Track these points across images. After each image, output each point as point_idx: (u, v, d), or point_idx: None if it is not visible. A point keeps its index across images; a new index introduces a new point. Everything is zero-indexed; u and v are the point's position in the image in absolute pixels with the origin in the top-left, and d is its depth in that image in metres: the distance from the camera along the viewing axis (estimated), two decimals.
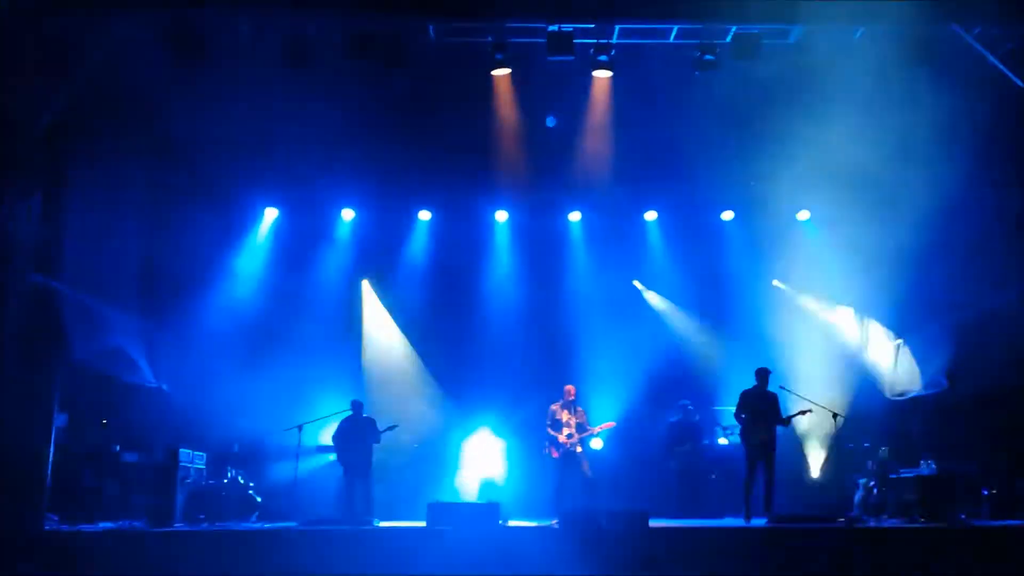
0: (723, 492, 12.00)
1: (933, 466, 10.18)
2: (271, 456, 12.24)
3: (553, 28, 9.83)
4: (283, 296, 13.40)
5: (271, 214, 13.88)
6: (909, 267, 11.76)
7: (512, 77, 10.77)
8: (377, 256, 14.08)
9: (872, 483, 10.89)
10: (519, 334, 13.96)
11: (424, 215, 14.21)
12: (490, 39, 10.14)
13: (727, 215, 14.17)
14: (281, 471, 11.82)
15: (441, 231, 14.21)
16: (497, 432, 13.28)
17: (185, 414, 11.38)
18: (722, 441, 12.91)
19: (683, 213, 14.09)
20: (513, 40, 10.19)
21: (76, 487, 9.64)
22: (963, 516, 8.98)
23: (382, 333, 14.13)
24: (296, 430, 11.08)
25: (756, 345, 12.39)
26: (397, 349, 14.05)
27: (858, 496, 11.12)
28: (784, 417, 10.24)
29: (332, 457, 11.71)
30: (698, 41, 10.12)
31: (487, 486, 12.12)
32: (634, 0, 9.66)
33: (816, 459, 12.68)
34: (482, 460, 12.81)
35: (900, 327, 12.06)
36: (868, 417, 11.93)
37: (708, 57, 10.09)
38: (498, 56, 10.16)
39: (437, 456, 12.94)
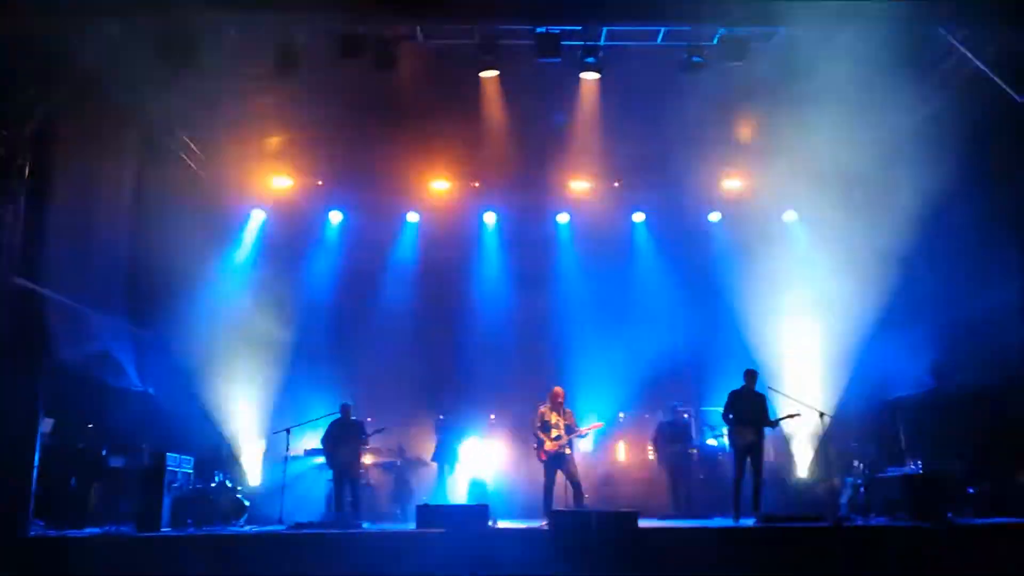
0: (712, 492, 12.05)
1: (919, 465, 10.23)
2: (259, 459, 12.19)
3: (541, 30, 9.84)
4: (270, 298, 13.35)
5: (258, 216, 13.84)
6: (896, 266, 11.85)
7: (500, 79, 10.76)
8: (365, 258, 14.05)
9: (859, 482, 10.95)
10: (508, 335, 13.99)
11: (412, 217, 14.21)
12: (478, 41, 10.13)
13: (714, 216, 14.24)
14: (269, 474, 11.77)
15: (429, 233, 14.21)
16: (486, 434, 13.29)
17: (172, 418, 11.30)
18: (711, 442, 12.96)
19: (670, 214, 14.16)
20: (501, 42, 10.19)
21: (62, 492, 9.53)
22: (949, 515, 9.02)
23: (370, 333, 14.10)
24: (284, 433, 11.06)
25: (744, 346, 12.45)
26: (386, 350, 14.00)
27: (845, 496, 11.17)
28: (772, 419, 10.29)
29: (321, 460, 11.68)
30: (685, 43, 10.15)
31: (476, 488, 12.10)
32: (621, 2, 9.67)
33: (803, 459, 12.73)
34: (471, 462, 12.81)
35: (887, 326, 12.12)
36: (855, 417, 11.98)
37: (696, 59, 10.13)
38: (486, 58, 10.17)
39: (425, 458, 12.90)
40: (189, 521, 9.74)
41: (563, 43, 9.96)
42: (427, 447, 12.79)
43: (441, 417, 12.79)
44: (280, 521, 10.32)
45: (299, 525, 9.46)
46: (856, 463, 11.27)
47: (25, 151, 9.02)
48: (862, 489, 10.80)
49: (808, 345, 12.89)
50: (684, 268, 13.97)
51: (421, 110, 11.47)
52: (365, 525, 9.99)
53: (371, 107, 11.38)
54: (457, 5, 9.56)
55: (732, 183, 14.14)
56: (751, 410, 10.28)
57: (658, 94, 11.05)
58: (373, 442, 11.54)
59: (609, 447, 13.29)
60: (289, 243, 13.86)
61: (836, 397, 11.95)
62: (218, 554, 7.99)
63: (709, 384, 12.85)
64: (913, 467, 10.28)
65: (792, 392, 10.72)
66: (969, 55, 9.67)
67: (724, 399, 10.51)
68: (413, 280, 14.04)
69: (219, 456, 11.17)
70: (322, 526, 9.70)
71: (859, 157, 12.32)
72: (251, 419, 12.44)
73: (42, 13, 8.74)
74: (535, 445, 10.36)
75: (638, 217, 14.38)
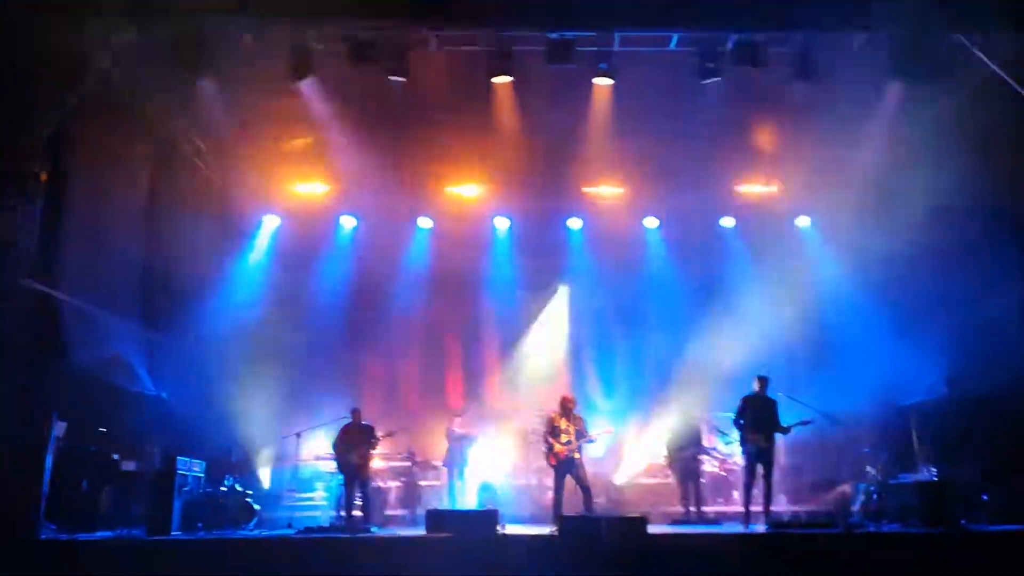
0: (722, 497, 11.98)
1: (933, 471, 10.14)
2: (269, 463, 12.23)
3: (554, 36, 9.86)
4: (283, 303, 13.41)
5: (271, 221, 13.91)
6: (908, 271, 11.78)
7: (513, 85, 10.77)
8: (377, 263, 14.08)
9: (872, 488, 10.86)
10: (518, 340, 14.00)
11: (425, 222, 14.24)
12: (491, 47, 10.15)
13: (727, 222, 14.20)
14: (280, 478, 11.81)
15: (441, 238, 14.23)
16: (496, 439, 13.28)
17: (183, 422, 11.36)
18: (722, 447, 12.88)
19: (683, 220, 14.13)
20: (514, 48, 10.21)
21: (74, 495, 9.57)
22: (963, 521, 8.94)
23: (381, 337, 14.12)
24: (295, 437, 11.09)
25: (756, 351, 12.38)
26: (397, 354, 14.03)
27: (858, 501, 11.08)
28: (784, 425, 10.23)
29: (331, 464, 11.69)
30: (699, 49, 10.13)
31: (485, 492, 12.10)
32: (634, 8, 9.66)
33: (814, 464, 12.64)
34: (481, 467, 12.80)
35: (900, 331, 12.05)
36: (868, 422, 11.90)
37: (709, 65, 10.11)
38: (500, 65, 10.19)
39: (435, 463, 12.89)
40: (199, 525, 9.78)
41: (576, 49, 9.97)
42: (437, 451, 12.79)
43: (452, 421, 12.79)
44: (290, 525, 10.35)
45: (308, 529, 9.50)
46: (869, 469, 11.18)
47: (41, 156, 9.10)
48: (875, 495, 10.71)
49: (820, 350, 12.82)
50: (696, 273, 13.92)
51: (433, 116, 11.51)
52: (374, 529, 10.00)
53: (383, 113, 11.42)
54: (470, 11, 9.57)
55: (745, 188, 14.10)
56: (762, 416, 10.22)
57: (671, 99, 11.03)
58: (383, 446, 11.54)
59: (618, 453, 13.22)
60: (302, 248, 13.91)
61: (849, 403, 11.86)
62: (228, 558, 8.01)
63: (721, 389, 12.78)
64: (926, 473, 10.19)
65: (804, 398, 10.66)
66: (985, 59, 9.60)
67: (736, 404, 10.46)
68: (425, 285, 14.05)
69: (229, 460, 11.19)
70: (332, 530, 9.73)
71: (872, 162, 12.29)
72: (262, 423, 12.48)
73: (60, 19, 8.84)
74: (545, 450, 10.35)
75: (651, 222, 14.34)
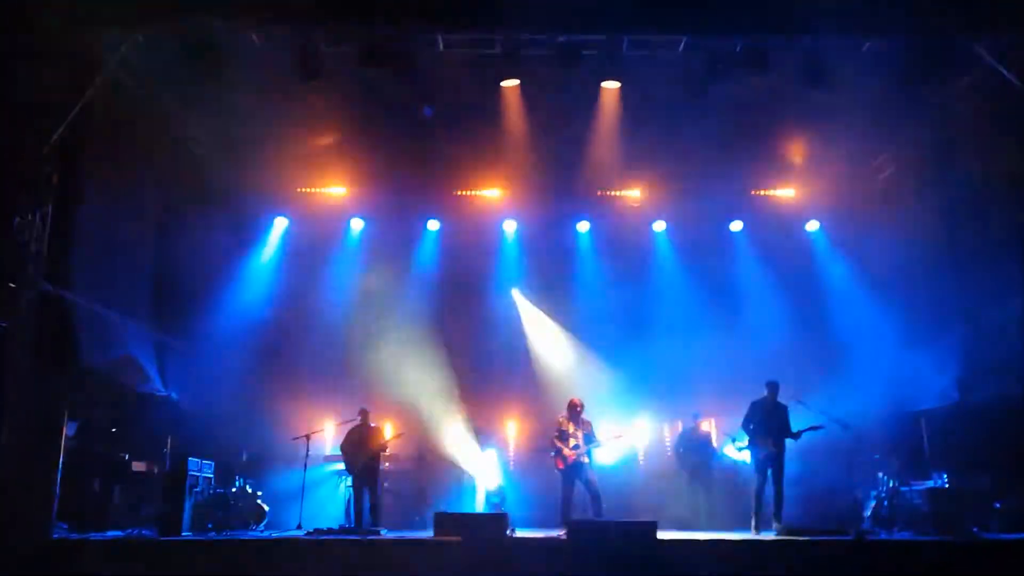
0: (732, 503, 11.93)
1: (944, 479, 10.08)
2: (279, 464, 12.25)
3: (562, 39, 9.85)
4: (293, 305, 13.46)
5: (281, 223, 13.96)
6: (920, 277, 11.72)
7: (521, 88, 10.77)
8: (386, 265, 14.10)
9: (883, 495, 10.80)
10: (528, 344, 13.99)
11: (433, 224, 14.26)
12: (500, 51, 10.16)
13: (735, 225, 14.16)
14: (289, 480, 11.83)
15: (450, 240, 14.25)
16: (505, 442, 13.28)
17: (194, 422, 11.42)
18: (731, 452, 12.84)
19: (692, 223, 14.09)
20: (522, 51, 10.21)
21: (85, 495, 9.63)
22: (975, 529, 8.89)
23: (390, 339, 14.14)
24: (304, 439, 11.11)
25: (766, 356, 12.34)
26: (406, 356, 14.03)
27: (869, 508, 11.03)
28: (794, 431, 10.19)
29: (340, 466, 11.71)
30: (707, 53, 10.11)
31: (494, 496, 12.09)
32: (642, 12, 9.64)
33: (827, 471, 12.57)
34: (489, 470, 12.79)
35: (911, 337, 11.97)
36: (879, 429, 11.83)
37: (718, 68, 10.08)
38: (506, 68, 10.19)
39: (444, 465, 12.90)
40: (209, 525, 9.81)
41: (584, 52, 9.96)
42: (446, 454, 12.79)
43: (461, 423, 12.79)
44: (299, 527, 10.37)
45: (318, 531, 9.51)
46: (880, 476, 11.12)
47: (53, 159, 9.15)
48: (886, 502, 10.65)
49: (831, 355, 12.77)
50: (705, 277, 13.88)
51: (442, 118, 11.51)
52: (383, 531, 10.00)
53: (392, 115, 11.44)
54: (479, 15, 9.58)
55: (755, 192, 14.06)
56: (772, 421, 10.20)
57: (679, 102, 11.00)
58: (392, 448, 11.56)
59: (627, 457, 13.19)
60: (311, 250, 13.95)
61: (860, 408, 11.79)
62: (238, 559, 8.03)
63: (730, 395, 12.73)
64: (938, 481, 10.13)
65: (814, 403, 10.61)
66: (994, 62, 9.54)
67: (745, 410, 10.42)
68: (433, 287, 14.06)
69: (240, 461, 11.23)
70: (341, 532, 9.74)
71: (883, 168, 12.22)
72: (272, 424, 12.51)
73: (71, 24, 8.89)
74: (553, 454, 10.33)
75: (659, 226, 14.31)
